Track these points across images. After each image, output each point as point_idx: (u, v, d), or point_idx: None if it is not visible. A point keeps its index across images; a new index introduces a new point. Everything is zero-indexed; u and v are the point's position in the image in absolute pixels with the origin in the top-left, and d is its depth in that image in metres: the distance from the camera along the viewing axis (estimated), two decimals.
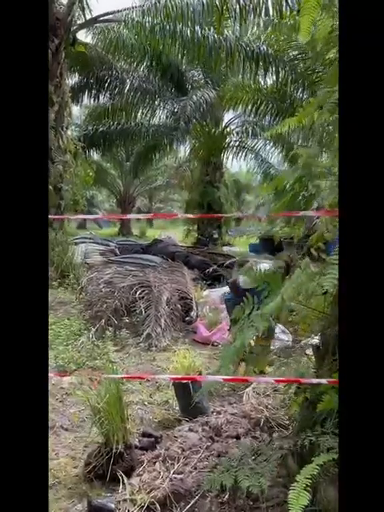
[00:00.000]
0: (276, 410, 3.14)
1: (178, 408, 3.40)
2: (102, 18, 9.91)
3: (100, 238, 11.56)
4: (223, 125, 12.88)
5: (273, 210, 2.42)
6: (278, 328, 4.47)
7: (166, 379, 3.88)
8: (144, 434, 2.93)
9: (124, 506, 2.22)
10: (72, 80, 11.97)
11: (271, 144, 12.74)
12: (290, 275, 2.20)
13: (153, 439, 2.85)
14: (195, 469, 2.48)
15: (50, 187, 8.35)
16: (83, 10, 9.81)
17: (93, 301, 5.68)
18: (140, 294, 5.63)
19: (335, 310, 2.00)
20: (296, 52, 9.20)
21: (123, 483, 2.37)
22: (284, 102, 10.23)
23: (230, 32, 9.59)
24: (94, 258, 9.08)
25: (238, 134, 12.92)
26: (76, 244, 9.30)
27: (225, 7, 8.54)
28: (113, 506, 2.21)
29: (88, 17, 9.91)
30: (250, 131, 12.66)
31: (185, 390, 3.18)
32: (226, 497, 2.20)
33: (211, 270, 8.00)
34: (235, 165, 26.90)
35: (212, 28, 9.26)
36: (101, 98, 12.91)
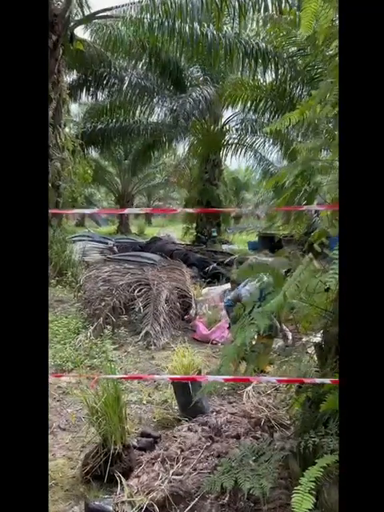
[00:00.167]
0: (277, 409, 3.09)
1: (177, 407, 3.35)
2: (100, 15, 9.84)
3: (98, 236, 11.52)
4: (222, 122, 12.81)
5: (275, 205, 2.36)
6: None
7: (165, 378, 3.84)
8: (143, 434, 2.88)
9: (122, 508, 2.18)
10: (70, 77, 11.91)
11: (270, 141, 12.68)
12: (291, 272, 2.16)
13: (151, 439, 2.80)
14: (195, 470, 2.43)
15: (49, 185, 8.29)
16: (81, 6, 9.75)
17: (91, 299, 5.63)
18: (139, 292, 5.59)
19: (338, 307, 1.95)
20: (295, 48, 9.12)
21: (121, 485, 2.32)
22: (283, 99, 10.15)
23: (229, 28, 9.52)
24: (92, 256, 9.03)
25: (237, 130, 12.85)
26: (74, 242, 9.25)
27: (224, 4, 8.48)
28: (111, 508, 2.16)
29: (86, 13, 9.82)
30: (250, 128, 12.58)
31: (184, 389, 3.13)
32: (227, 499, 2.15)
33: (211, 267, 7.96)
34: (234, 163, 26.90)
35: (211, 25, 9.19)
36: (99, 95, 12.86)
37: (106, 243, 10.22)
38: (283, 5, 7.95)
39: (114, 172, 22.26)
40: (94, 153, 15.63)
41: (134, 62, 11.64)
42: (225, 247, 12.44)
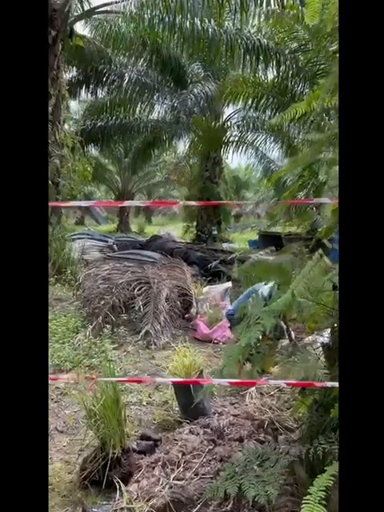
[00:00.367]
0: (280, 411, 3.01)
1: (177, 408, 3.26)
2: (99, 10, 9.73)
3: (98, 234, 11.43)
4: (223, 119, 12.71)
5: (282, 199, 2.27)
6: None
7: (167, 381, 3.75)
8: (142, 437, 2.79)
9: None
10: (70, 74, 11.82)
11: (272, 139, 12.57)
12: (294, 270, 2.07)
13: (152, 442, 2.72)
14: (196, 475, 2.35)
15: (48, 182, 8.20)
16: (81, 1, 9.63)
17: (90, 297, 5.54)
18: (138, 290, 5.49)
19: None
20: (297, 44, 9.03)
21: (120, 490, 2.24)
22: (285, 96, 10.04)
23: (230, 24, 9.41)
24: (91, 254, 8.94)
25: (238, 127, 12.74)
26: (74, 240, 9.16)
27: None
28: None
29: (86, 8, 9.72)
30: (251, 125, 12.47)
31: (185, 390, 3.05)
32: (230, 506, 2.06)
33: (213, 264, 7.87)
34: (234, 161, 26.80)
35: (212, 20, 9.09)
36: (99, 92, 12.77)
37: (106, 241, 10.12)
38: None
39: (114, 170, 22.16)
40: (93, 150, 15.53)
41: (134, 58, 11.54)
42: (225, 245, 12.36)
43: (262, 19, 8.68)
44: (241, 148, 13.29)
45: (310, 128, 8.50)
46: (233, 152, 13.41)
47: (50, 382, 3.65)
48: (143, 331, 4.97)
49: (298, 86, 9.85)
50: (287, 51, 9.28)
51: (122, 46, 10.31)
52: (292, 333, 4.44)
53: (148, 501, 2.15)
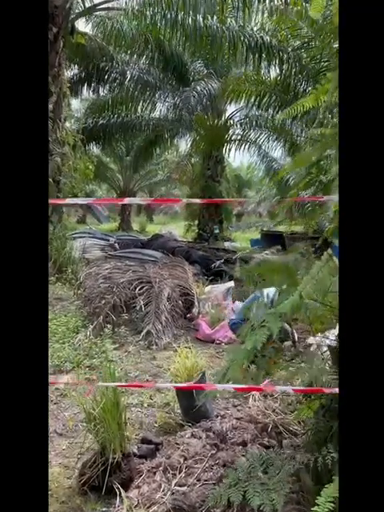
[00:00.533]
0: (284, 414, 2.94)
1: (179, 411, 3.20)
2: (101, 7, 9.67)
3: (99, 233, 11.37)
4: (225, 117, 12.62)
5: (288, 196, 2.20)
6: None
7: (167, 381, 3.68)
8: (143, 441, 2.72)
9: None
10: (71, 72, 11.75)
11: (274, 137, 12.49)
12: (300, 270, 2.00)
13: (153, 446, 2.65)
14: (199, 480, 2.28)
15: (49, 180, 8.14)
16: None
17: (91, 297, 5.48)
18: (140, 289, 5.43)
19: None
20: (301, 41, 8.94)
21: (120, 496, 2.17)
22: (288, 95, 9.96)
23: (233, 21, 9.33)
24: (93, 253, 8.88)
25: (241, 125, 12.65)
26: (75, 238, 9.10)
27: None
28: None
29: (87, 5, 9.65)
30: (253, 124, 12.38)
31: (187, 393, 2.97)
32: None
33: (218, 263, 7.80)
34: (236, 160, 26.72)
35: (215, 17, 9.01)
36: (100, 90, 12.71)
37: (107, 240, 10.06)
38: None
39: (116, 168, 22.10)
40: (95, 149, 15.48)
41: (136, 56, 11.47)
42: (227, 244, 12.29)
43: (265, 16, 8.60)
44: (243, 146, 13.21)
45: (312, 124, 8.42)
46: (235, 150, 13.35)
47: (49, 381, 3.61)
48: (144, 331, 4.91)
49: (301, 84, 9.78)
50: (290, 49, 9.21)
51: (124, 44, 10.25)
52: (295, 334, 4.38)
53: (149, 508, 2.09)
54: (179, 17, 8.78)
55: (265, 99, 10.45)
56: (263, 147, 13.36)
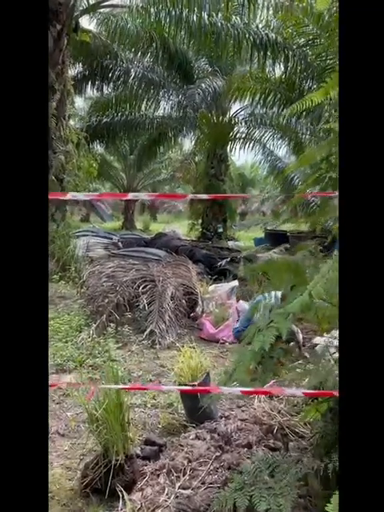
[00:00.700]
0: (290, 416, 2.89)
1: (183, 411, 3.15)
2: (105, 4, 9.62)
3: (103, 231, 11.33)
4: (230, 115, 12.55)
5: (299, 191, 2.15)
6: None
7: (171, 380, 3.64)
8: (147, 442, 2.68)
9: None
10: (75, 70, 11.70)
11: (278, 136, 12.42)
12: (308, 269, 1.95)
13: (156, 448, 2.61)
14: (203, 483, 2.23)
15: (53, 178, 8.11)
16: None
17: (94, 295, 5.44)
18: (143, 288, 5.38)
19: None
20: (306, 39, 8.87)
21: (123, 499, 2.13)
22: (293, 92, 9.89)
23: (238, 18, 9.26)
24: (96, 252, 8.84)
25: (246, 122, 12.58)
26: (78, 237, 9.08)
27: None
28: None
29: (91, 2, 9.60)
30: (258, 122, 12.31)
31: (191, 393, 2.93)
32: None
33: (223, 262, 7.75)
34: (240, 159, 26.65)
35: (219, 14, 8.95)
36: (104, 88, 12.65)
37: (111, 239, 10.02)
38: None
39: (120, 167, 22.04)
40: (99, 147, 15.42)
41: (140, 53, 11.41)
42: (231, 243, 12.24)
43: (270, 13, 8.53)
44: (247, 145, 13.14)
45: (318, 122, 8.34)
46: (239, 149, 13.27)
47: (52, 381, 3.57)
48: (148, 330, 4.86)
49: (306, 82, 9.70)
50: (296, 46, 9.13)
51: (128, 41, 10.21)
52: (301, 335, 4.32)
53: (152, 511, 2.04)
54: (184, 14, 8.72)
55: (270, 97, 10.38)
56: (268, 146, 13.30)
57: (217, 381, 3.49)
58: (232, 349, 4.72)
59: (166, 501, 2.10)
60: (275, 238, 11.43)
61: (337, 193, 1.18)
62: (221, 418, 3.01)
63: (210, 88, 10.14)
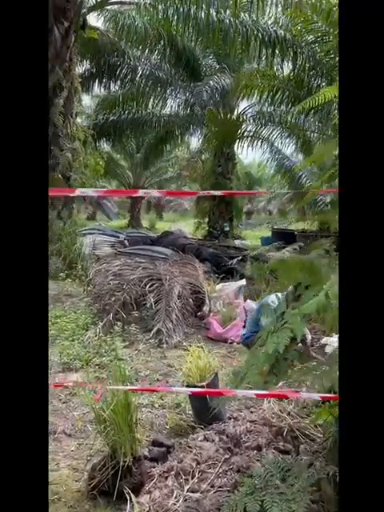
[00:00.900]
0: (300, 418, 2.84)
1: (191, 412, 3.11)
2: (113, 1, 9.58)
3: (109, 230, 11.31)
4: (237, 113, 12.48)
5: (314, 188, 2.10)
6: None
7: (178, 380, 3.60)
8: (154, 443, 2.64)
9: None
10: (82, 67, 11.68)
11: (286, 134, 12.34)
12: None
13: (164, 449, 2.56)
14: (212, 486, 2.19)
15: (59, 175, 8.10)
16: None
17: (101, 293, 5.41)
18: (150, 287, 5.35)
19: None
20: (315, 36, 8.78)
21: (131, 502, 2.09)
22: (301, 90, 9.81)
23: (246, 15, 9.18)
24: (102, 250, 8.82)
25: (254, 120, 12.49)
26: (85, 235, 9.06)
27: None
28: None
29: None
30: (266, 118, 12.21)
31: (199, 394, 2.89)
32: None
33: (235, 261, 7.70)
34: (248, 157, 26.54)
35: (228, 11, 8.88)
36: (112, 86, 12.62)
37: (117, 237, 9.99)
38: None
39: (126, 165, 22.01)
40: (105, 145, 15.40)
41: (148, 51, 11.36)
42: (237, 242, 12.20)
43: (279, 10, 8.45)
44: (255, 143, 13.06)
45: (326, 120, 8.25)
46: (247, 147, 13.20)
47: (58, 379, 3.54)
48: (155, 329, 4.83)
49: (315, 80, 9.62)
50: (304, 43, 9.05)
51: (136, 39, 10.14)
52: (309, 335, 4.27)
53: None
54: (192, 11, 8.66)
55: (278, 95, 10.30)
56: (275, 144, 13.21)
57: (225, 381, 3.44)
58: (240, 349, 4.67)
59: (174, 504, 2.06)
60: (282, 237, 11.36)
61: None
62: (229, 419, 2.97)
63: (217, 86, 10.08)
